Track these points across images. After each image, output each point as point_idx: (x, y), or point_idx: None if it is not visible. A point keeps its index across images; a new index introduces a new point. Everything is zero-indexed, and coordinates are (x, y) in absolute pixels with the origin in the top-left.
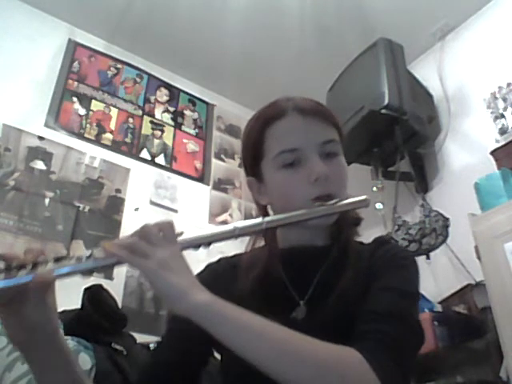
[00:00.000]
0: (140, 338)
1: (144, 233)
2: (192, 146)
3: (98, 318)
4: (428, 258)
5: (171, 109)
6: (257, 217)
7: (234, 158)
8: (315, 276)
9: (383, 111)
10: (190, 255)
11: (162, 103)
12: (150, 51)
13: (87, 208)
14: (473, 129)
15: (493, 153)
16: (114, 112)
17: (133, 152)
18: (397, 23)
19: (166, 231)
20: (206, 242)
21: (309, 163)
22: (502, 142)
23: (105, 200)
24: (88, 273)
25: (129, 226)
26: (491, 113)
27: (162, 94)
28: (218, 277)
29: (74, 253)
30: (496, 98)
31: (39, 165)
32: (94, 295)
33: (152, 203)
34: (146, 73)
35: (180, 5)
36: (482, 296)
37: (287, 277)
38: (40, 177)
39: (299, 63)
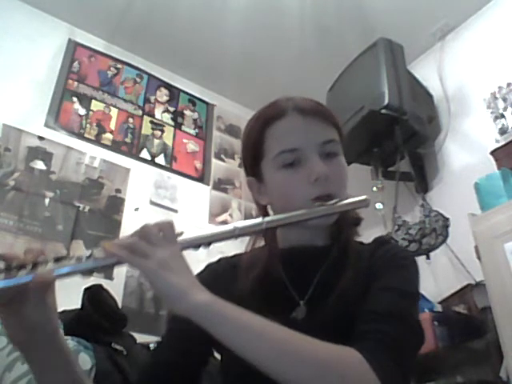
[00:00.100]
0: (140, 338)
1: (144, 233)
2: (192, 146)
3: (97, 318)
4: (428, 258)
5: (171, 109)
6: (257, 217)
7: (234, 158)
8: (315, 276)
9: (383, 111)
10: (189, 255)
11: (162, 103)
12: (150, 51)
13: (87, 208)
14: (473, 129)
15: (493, 153)
16: (114, 112)
17: (133, 152)
18: (397, 23)
19: (165, 231)
20: (205, 242)
21: (309, 163)
22: (502, 142)
23: (105, 200)
24: (88, 273)
25: (129, 225)
26: (491, 113)
27: (162, 94)
28: (218, 277)
29: (74, 253)
30: (496, 98)
31: (39, 165)
32: (94, 295)
33: (152, 203)
34: (146, 73)
35: (180, 5)
36: (482, 296)
37: (287, 277)
38: (40, 177)
39: (299, 63)
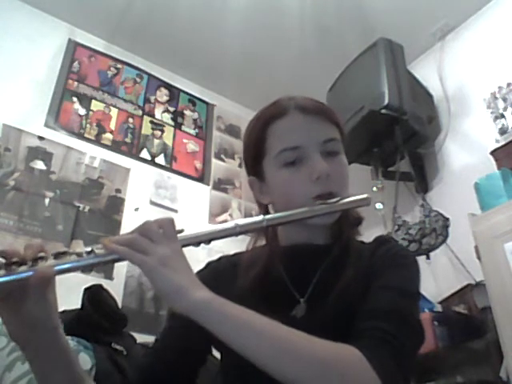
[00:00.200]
0: (140, 338)
1: (144, 229)
2: (192, 146)
3: (97, 318)
4: (428, 257)
5: (171, 109)
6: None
7: (234, 158)
8: (315, 274)
9: (383, 111)
10: (189, 254)
11: (162, 103)
12: (150, 51)
13: (87, 208)
14: (473, 129)
15: (493, 153)
16: (114, 112)
17: (133, 152)
18: (397, 23)
19: (166, 228)
20: (206, 239)
21: (310, 161)
22: (502, 142)
23: (105, 200)
24: (88, 269)
25: (129, 225)
26: (491, 113)
27: (162, 94)
28: (218, 275)
29: (75, 249)
30: (496, 98)
31: (39, 165)
32: (94, 295)
33: (152, 203)
34: (146, 73)
35: (180, 5)
36: (482, 296)
37: (287, 275)
38: (40, 177)
39: (299, 63)
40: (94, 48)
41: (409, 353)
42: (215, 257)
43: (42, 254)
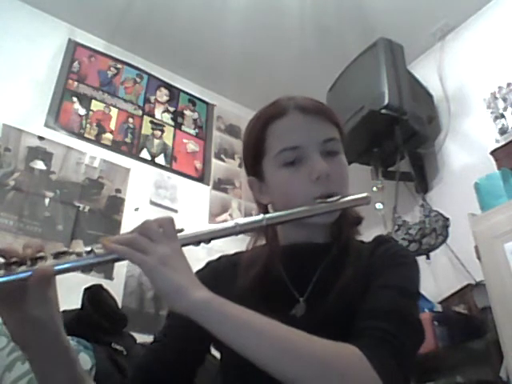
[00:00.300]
0: (140, 338)
1: (144, 229)
2: (192, 146)
3: (97, 318)
4: (428, 257)
5: (171, 109)
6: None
7: (234, 158)
8: (315, 273)
9: (383, 111)
10: (189, 253)
11: (162, 103)
12: (150, 51)
13: (87, 208)
14: (473, 129)
15: (493, 153)
16: (114, 112)
17: (133, 152)
18: (397, 23)
19: (166, 227)
20: (206, 238)
21: (310, 161)
22: (502, 142)
23: (105, 200)
24: (88, 269)
25: (129, 225)
26: (491, 113)
27: (162, 94)
28: (218, 274)
29: (74, 248)
30: (496, 98)
31: (39, 165)
32: (94, 295)
33: (152, 203)
34: (146, 73)
35: (180, 5)
36: (482, 296)
37: (287, 274)
38: (40, 177)
39: (299, 63)
40: (94, 48)
41: (409, 352)
42: (215, 256)
43: (41, 254)
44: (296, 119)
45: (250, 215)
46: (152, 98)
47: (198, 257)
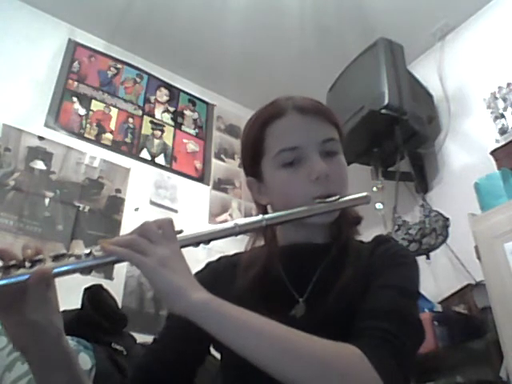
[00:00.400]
0: (140, 338)
1: (143, 230)
2: (192, 146)
3: (98, 318)
4: (428, 257)
5: (171, 109)
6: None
7: (234, 158)
8: (314, 274)
9: (383, 111)
10: (189, 254)
11: (162, 103)
12: (150, 51)
13: (87, 208)
14: (473, 129)
15: (493, 153)
16: (114, 112)
17: (133, 152)
18: (397, 23)
19: (165, 229)
20: (205, 239)
21: (309, 162)
22: (502, 142)
23: (105, 200)
24: (87, 271)
25: (129, 226)
26: (491, 113)
27: (162, 94)
28: (218, 275)
29: (74, 249)
30: (496, 98)
31: (39, 165)
32: (94, 295)
33: (152, 203)
34: (146, 73)
35: (180, 5)
36: (482, 296)
37: (286, 274)
38: (40, 177)
39: (299, 63)
40: (94, 48)
41: (409, 352)
42: (215, 257)
43: (40, 257)
44: (295, 119)
45: (250, 215)
46: (152, 98)
47: (197, 258)
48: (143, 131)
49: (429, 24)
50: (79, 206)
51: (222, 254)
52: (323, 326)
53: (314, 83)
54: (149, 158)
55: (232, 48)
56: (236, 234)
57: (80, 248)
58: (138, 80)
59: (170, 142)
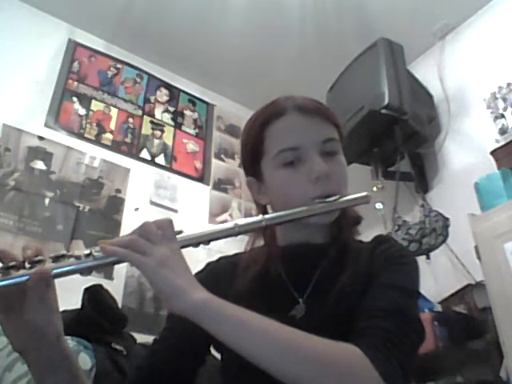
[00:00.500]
0: (140, 338)
1: (143, 230)
2: (192, 146)
3: (98, 318)
4: (428, 257)
5: (171, 109)
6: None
7: (234, 158)
8: (314, 274)
9: (383, 111)
10: (189, 254)
11: (162, 103)
12: (149, 51)
13: (87, 208)
14: (473, 129)
15: (493, 153)
16: (114, 112)
17: (133, 152)
18: (397, 23)
19: (165, 229)
20: (205, 239)
21: (309, 162)
22: (502, 142)
23: (105, 200)
24: (87, 271)
25: (129, 226)
26: (491, 113)
27: (162, 94)
28: (217, 275)
29: (74, 249)
30: (496, 98)
31: (39, 165)
32: (94, 295)
33: (152, 203)
34: (146, 73)
35: (180, 5)
36: (482, 296)
37: (286, 275)
38: (40, 177)
39: (299, 63)
40: (94, 48)
41: (409, 351)
42: (215, 257)
43: (40, 258)
44: (295, 119)
45: (250, 215)
46: (152, 98)
47: (197, 258)
48: (143, 131)
49: (429, 24)
50: (79, 206)
51: (221, 254)
52: (323, 326)
53: (314, 83)
54: (149, 157)
55: (232, 48)
56: (236, 235)
57: (80, 248)
58: (138, 80)
59: (170, 142)
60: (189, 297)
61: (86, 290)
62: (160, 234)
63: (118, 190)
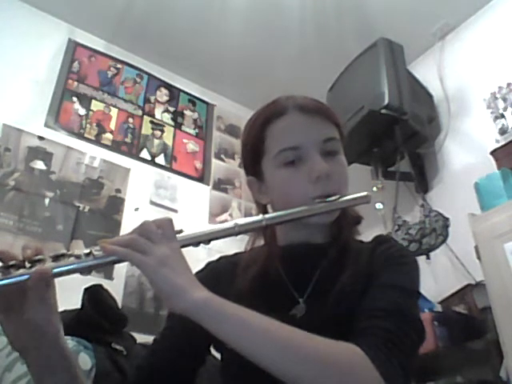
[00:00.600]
0: (140, 338)
1: (143, 230)
2: (192, 146)
3: (98, 317)
4: (428, 257)
5: (171, 109)
6: (257, 215)
7: (234, 158)
8: (314, 273)
9: (383, 111)
10: (189, 254)
11: (162, 103)
12: (149, 51)
13: (87, 208)
14: (473, 129)
15: (493, 153)
16: (114, 112)
17: (133, 152)
18: (397, 23)
19: (165, 228)
20: (205, 239)
21: (310, 161)
22: (502, 142)
23: (105, 200)
24: (87, 271)
25: (129, 225)
26: (491, 113)
27: (162, 94)
28: (218, 275)
29: (74, 249)
30: (496, 98)
31: (39, 165)
32: (94, 295)
33: (152, 203)
34: (146, 73)
35: (180, 5)
36: (482, 296)
37: (286, 275)
38: (40, 177)
39: (299, 63)
40: (94, 48)
41: (410, 351)
42: (215, 257)
43: (39, 257)
44: (295, 119)
45: (250, 215)
46: (152, 98)
47: (197, 257)
48: (143, 131)
49: (429, 24)
50: (79, 206)
51: (221, 254)
52: (324, 325)
53: (314, 83)
54: (149, 157)
55: (232, 48)
56: (236, 234)
57: (80, 248)
58: (138, 80)
59: (170, 142)
60: (189, 296)
61: (86, 289)
62: (160, 233)
63: (118, 190)
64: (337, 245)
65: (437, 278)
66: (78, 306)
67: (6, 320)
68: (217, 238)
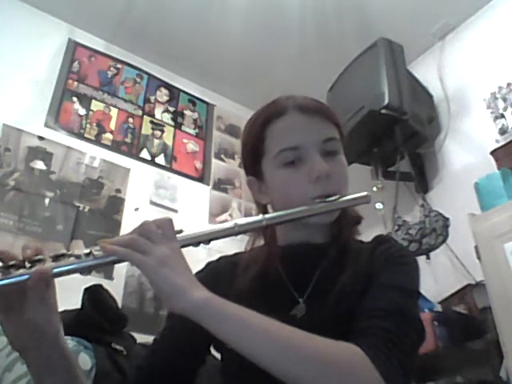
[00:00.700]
0: (140, 338)
1: (143, 230)
2: (192, 146)
3: (98, 317)
4: (428, 257)
5: (171, 109)
6: (257, 215)
7: (234, 158)
8: (314, 273)
9: (383, 111)
10: (189, 254)
11: (162, 103)
12: (149, 51)
13: (87, 208)
14: (473, 129)
15: (493, 153)
16: (114, 112)
17: (133, 152)
18: (397, 23)
19: (165, 228)
20: (205, 239)
21: (310, 161)
22: (502, 142)
23: (105, 200)
24: (87, 271)
25: (129, 226)
26: (491, 113)
27: (162, 94)
28: (218, 275)
29: (74, 249)
30: (496, 98)
31: (39, 165)
32: (94, 295)
33: (152, 203)
34: (146, 73)
35: (180, 5)
36: (482, 296)
37: (286, 275)
38: (40, 177)
39: (299, 63)
40: (94, 48)
41: (410, 351)
42: (215, 257)
43: (39, 257)
44: (295, 119)
45: (250, 215)
46: (152, 98)
47: (197, 257)
48: (143, 131)
49: (429, 24)
50: (79, 206)
51: (221, 254)
52: (324, 325)
53: (314, 83)
54: (149, 158)
55: (232, 48)
56: (236, 234)
57: (80, 248)
58: (138, 80)
59: (170, 142)
60: (189, 296)
61: (86, 289)
62: (160, 233)
63: (118, 190)
64: (337, 245)
65: (437, 278)
66: (78, 305)
67: (6, 320)
68: (217, 238)
